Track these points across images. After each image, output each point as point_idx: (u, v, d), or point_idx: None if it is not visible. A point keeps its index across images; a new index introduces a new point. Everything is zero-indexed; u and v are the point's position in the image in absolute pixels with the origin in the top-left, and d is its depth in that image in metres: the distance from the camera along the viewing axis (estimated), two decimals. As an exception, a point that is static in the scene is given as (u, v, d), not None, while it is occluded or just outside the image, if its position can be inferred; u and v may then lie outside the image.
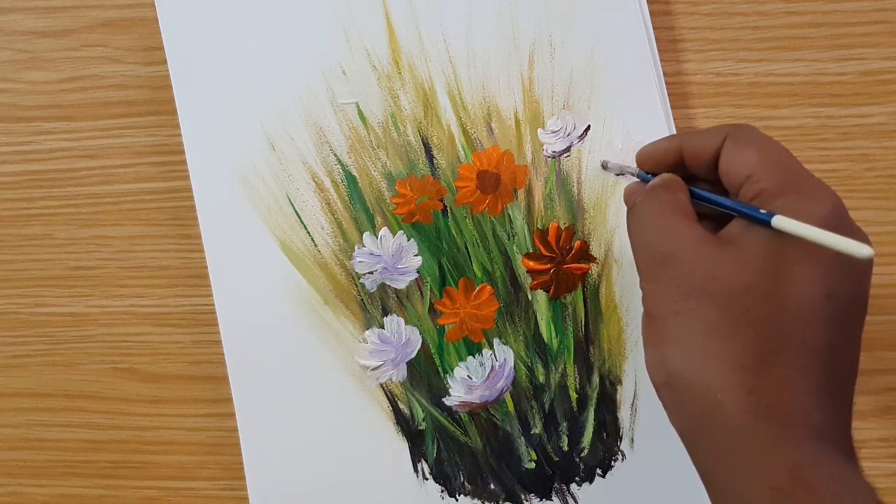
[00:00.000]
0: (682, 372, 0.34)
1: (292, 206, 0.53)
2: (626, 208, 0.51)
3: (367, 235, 0.52)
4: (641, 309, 0.51)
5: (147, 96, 0.56)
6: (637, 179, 0.45)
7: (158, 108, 0.56)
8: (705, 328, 0.34)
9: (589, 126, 0.52)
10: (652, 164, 0.42)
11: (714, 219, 0.38)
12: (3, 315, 0.57)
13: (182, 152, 0.53)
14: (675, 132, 0.51)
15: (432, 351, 0.52)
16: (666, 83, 0.52)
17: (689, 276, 0.34)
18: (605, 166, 0.52)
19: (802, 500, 0.30)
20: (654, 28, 0.52)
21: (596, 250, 0.52)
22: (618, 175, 0.52)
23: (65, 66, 0.57)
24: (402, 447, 0.52)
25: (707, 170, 0.38)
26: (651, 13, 0.52)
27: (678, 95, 0.54)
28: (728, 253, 0.34)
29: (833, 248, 0.31)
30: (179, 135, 0.53)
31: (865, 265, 0.34)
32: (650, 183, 0.40)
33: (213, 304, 0.52)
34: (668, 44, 0.54)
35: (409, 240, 0.52)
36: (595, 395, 0.52)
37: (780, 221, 0.32)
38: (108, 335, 0.57)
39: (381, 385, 0.52)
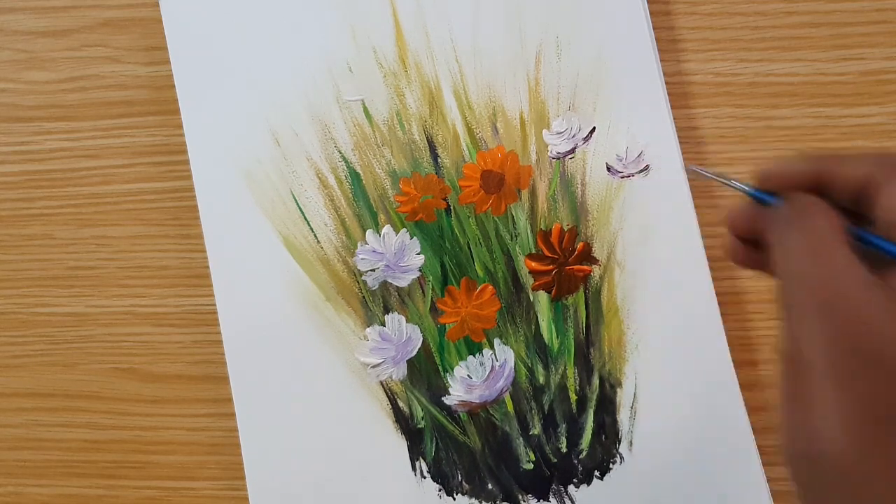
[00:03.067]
0: (838, 447, 0.28)
1: (296, 201, 0.53)
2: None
3: (370, 233, 0.52)
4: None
5: (147, 96, 0.56)
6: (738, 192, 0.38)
7: (158, 108, 0.56)
8: (874, 397, 0.28)
9: (594, 128, 0.52)
10: (778, 183, 0.35)
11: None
12: (3, 315, 0.57)
13: (182, 152, 0.53)
14: (675, 134, 0.51)
15: (433, 349, 0.52)
16: (666, 83, 0.52)
17: (857, 332, 0.29)
18: (691, 172, 0.49)
19: None
20: (654, 28, 0.52)
21: (598, 252, 0.52)
22: (714, 178, 0.44)
23: (65, 66, 0.57)
24: (400, 445, 0.52)
25: (849, 199, 0.33)
26: (651, 13, 0.52)
27: (678, 95, 0.54)
28: None
29: None
30: (180, 135, 0.53)
31: None
32: (799, 208, 0.34)
33: (213, 305, 0.52)
34: (668, 44, 0.54)
35: (411, 238, 0.52)
36: (595, 397, 0.52)
37: None
38: (108, 335, 0.56)
39: (381, 383, 0.52)
